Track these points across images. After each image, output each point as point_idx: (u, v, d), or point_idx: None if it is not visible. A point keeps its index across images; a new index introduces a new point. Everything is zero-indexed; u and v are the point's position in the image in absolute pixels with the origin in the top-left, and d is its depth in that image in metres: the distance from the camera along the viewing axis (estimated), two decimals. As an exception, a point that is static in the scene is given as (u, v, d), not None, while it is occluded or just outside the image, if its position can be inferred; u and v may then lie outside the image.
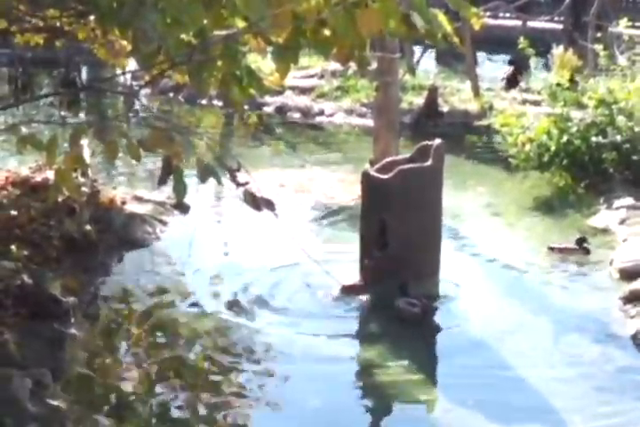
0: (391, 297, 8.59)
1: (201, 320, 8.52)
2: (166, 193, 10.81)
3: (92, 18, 6.88)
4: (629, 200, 11.27)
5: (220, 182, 5.83)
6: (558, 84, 12.93)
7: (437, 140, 9.05)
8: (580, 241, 9.98)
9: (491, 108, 15.76)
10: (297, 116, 17.37)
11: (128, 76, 13.51)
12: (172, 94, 18.17)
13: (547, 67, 16.19)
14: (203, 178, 5.63)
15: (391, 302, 8.56)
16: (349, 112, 17.13)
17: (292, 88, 17.82)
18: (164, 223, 10.89)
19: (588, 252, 9.98)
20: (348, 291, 8.92)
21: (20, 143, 5.86)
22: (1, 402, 6.38)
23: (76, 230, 9.49)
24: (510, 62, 18.03)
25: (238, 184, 5.90)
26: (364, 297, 8.88)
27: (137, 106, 6.26)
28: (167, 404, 7.04)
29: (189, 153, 5.72)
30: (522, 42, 13.63)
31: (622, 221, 10.80)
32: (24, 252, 8.77)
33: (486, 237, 10.80)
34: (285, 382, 7.43)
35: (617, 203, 11.30)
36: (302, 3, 4.69)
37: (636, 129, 12.00)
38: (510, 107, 14.72)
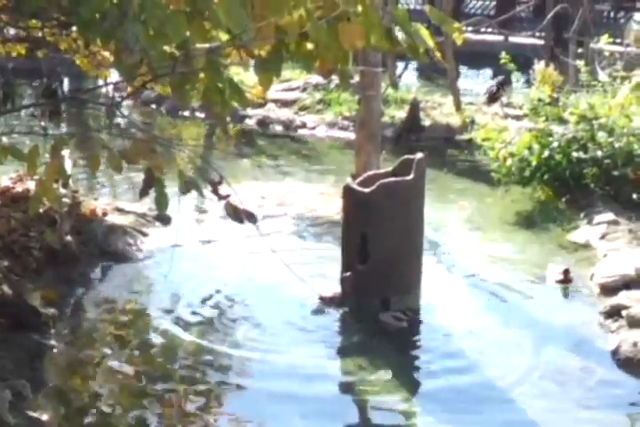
0: (371, 310, 8.61)
1: (179, 332, 8.50)
2: (148, 205, 10.80)
3: (74, 29, 6.88)
4: (610, 215, 11.30)
5: (201, 195, 5.84)
6: (539, 100, 12.98)
7: (419, 154, 9.06)
8: (566, 272, 9.80)
9: (472, 122, 15.81)
10: (279, 128, 17.39)
11: (110, 87, 13.52)
12: (154, 106, 18.18)
13: (528, 82, 16.24)
14: (184, 190, 5.63)
15: (371, 314, 8.58)
16: (331, 125, 17.16)
17: (275, 101, 17.86)
18: (145, 235, 10.87)
19: (567, 281, 9.79)
20: (328, 303, 8.92)
21: (1, 153, 5.84)
22: (-21, 414, 6.35)
23: (56, 241, 9.46)
24: (499, 83, 18.09)
25: (220, 197, 5.91)
26: (343, 309, 8.88)
27: (119, 117, 6.26)
28: (146, 416, 7.02)
29: (171, 165, 5.72)
30: (504, 57, 13.70)
31: (603, 237, 10.83)
32: (4, 262, 8.74)
33: (467, 252, 10.81)
34: (263, 395, 7.41)
35: (597, 218, 11.33)
36: (285, 16, 4.70)
37: (617, 145, 12.03)
38: (492, 121, 14.77)
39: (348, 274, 8.92)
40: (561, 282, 9.73)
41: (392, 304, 8.59)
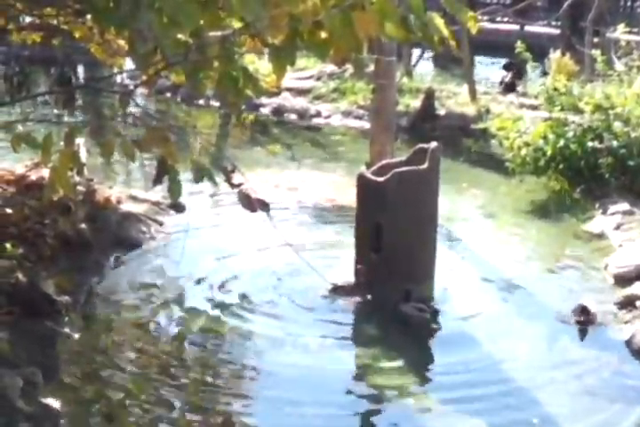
0: (387, 300, 8.60)
1: (192, 320, 8.52)
2: (162, 193, 10.80)
3: (88, 17, 6.87)
4: (625, 205, 11.27)
5: (214, 183, 5.84)
6: (555, 89, 12.93)
7: (434, 144, 9.04)
8: (583, 311, 8.53)
9: (487, 111, 15.77)
10: (293, 117, 17.37)
11: (125, 75, 13.52)
12: (169, 94, 18.17)
13: (544, 71, 16.16)
14: (197, 178, 5.64)
15: (386, 304, 8.58)
16: (346, 114, 17.13)
17: (289, 89, 17.83)
18: (159, 223, 10.87)
19: (588, 322, 8.50)
20: (340, 292, 8.91)
21: (16, 141, 5.86)
22: (-8, 400, 6.38)
23: (70, 229, 9.48)
24: (505, 67, 18.07)
25: (233, 185, 5.92)
26: (356, 298, 8.87)
27: (133, 105, 6.26)
28: (158, 404, 7.03)
29: (185, 153, 5.73)
30: (519, 46, 13.64)
31: (617, 227, 10.80)
32: (19, 250, 8.76)
33: (481, 241, 10.79)
34: (275, 384, 7.42)
35: (612, 208, 11.30)
36: (299, 4, 4.69)
37: (633, 134, 11.99)
38: (507, 111, 14.72)
39: (361, 265, 8.91)
40: (581, 323, 8.50)
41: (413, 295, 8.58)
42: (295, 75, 18.00)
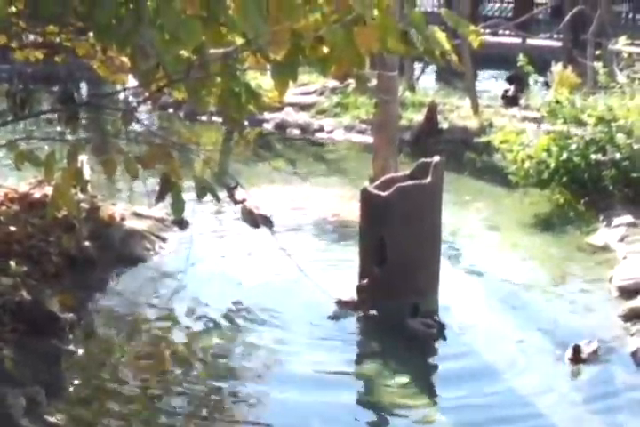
0: (392, 314, 8.58)
1: (198, 337, 8.51)
2: (165, 209, 10.80)
3: (91, 34, 6.88)
4: (629, 218, 11.26)
5: (217, 199, 5.84)
6: (557, 102, 12.93)
7: (437, 157, 9.04)
8: (576, 350, 8.08)
9: (490, 125, 15.76)
10: (296, 132, 17.38)
11: (128, 92, 13.53)
12: (171, 110, 18.19)
13: (546, 84, 16.18)
14: (200, 195, 5.64)
15: (391, 319, 8.56)
16: (349, 129, 17.13)
17: (292, 104, 17.84)
18: (163, 239, 10.88)
19: (580, 360, 8.06)
20: (344, 306, 8.90)
21: (18, 159, 5.87)
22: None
23: (74, 247, 9.48)
24: (509, 79, 18.07)
25: (236, 202, 5.92)
26: (360, 313, 8.86)
27: (135, 122, 6.26)
28: (162, 423, 7.01)
29: (188, 169, 5.73)
30: (521, 59, 13.65)
31: (622, 239, 10.78)
32: (23, 268, 8.76)
33: (485, 254, 10.78)
34: (281, 400, 7.40)
35: (616, 220, 11.28)
36: (300, 20, 4.70)
37: (636, 146, 11.99)
38: (510, 124, 14.72)
39: (365, 280, 8.90)
40: (573, 361, 8.09)
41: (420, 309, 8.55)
42: (298, 90, 18.01)
